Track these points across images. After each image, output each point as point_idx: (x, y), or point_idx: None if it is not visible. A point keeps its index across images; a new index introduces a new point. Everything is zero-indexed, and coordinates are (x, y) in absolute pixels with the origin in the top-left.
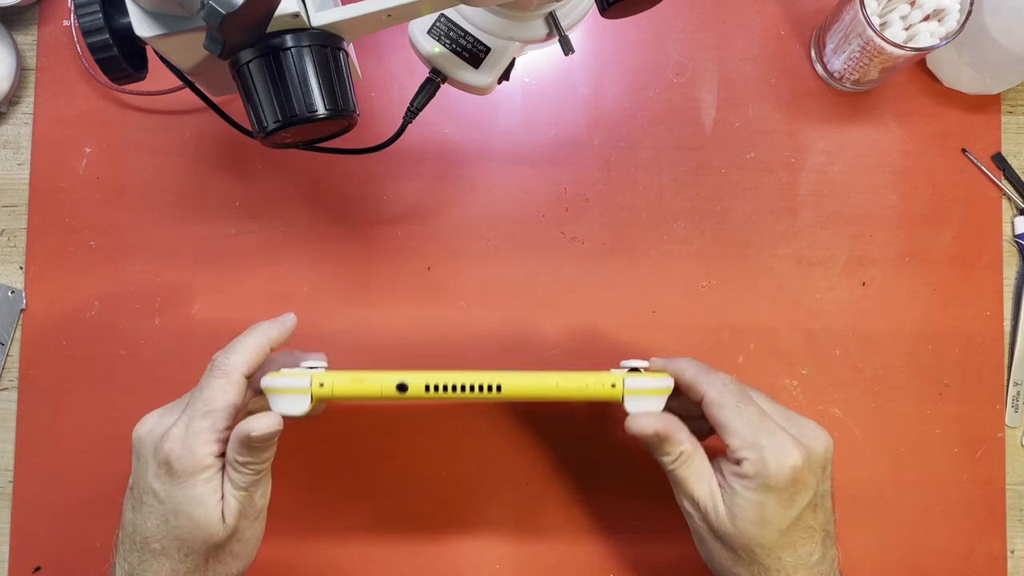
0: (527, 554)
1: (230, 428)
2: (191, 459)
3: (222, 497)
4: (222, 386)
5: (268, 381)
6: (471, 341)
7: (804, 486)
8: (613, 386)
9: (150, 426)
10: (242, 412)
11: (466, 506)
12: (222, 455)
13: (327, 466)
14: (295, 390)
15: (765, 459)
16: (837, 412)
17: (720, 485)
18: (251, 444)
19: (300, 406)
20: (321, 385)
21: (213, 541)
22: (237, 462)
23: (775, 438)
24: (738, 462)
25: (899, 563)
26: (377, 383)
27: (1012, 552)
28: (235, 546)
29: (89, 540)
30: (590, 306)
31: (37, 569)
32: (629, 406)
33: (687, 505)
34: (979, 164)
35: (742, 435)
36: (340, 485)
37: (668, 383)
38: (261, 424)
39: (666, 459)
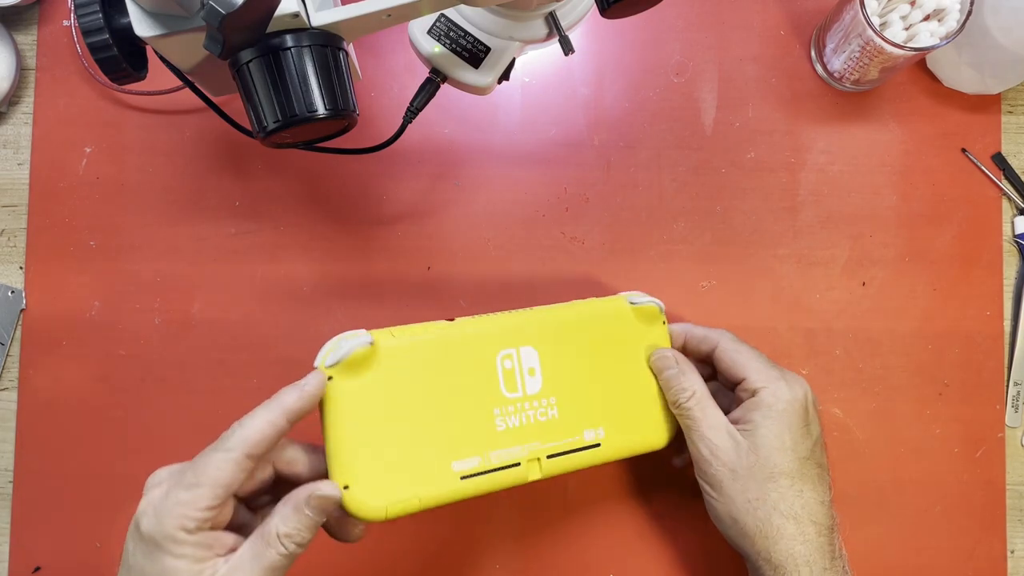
0: (527, 554)
1: (215, 508)
2: (158, 530)
3: (203, 571)
4: (218, 462)
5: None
6: None
7: (812, 418)
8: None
9: (152, 478)
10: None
11: (466, 506)
12: (195, 534)
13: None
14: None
15: (781, 388)
16: (837, 412)
17: (737, 423)
18: (308, 508)
19: (361, 340)
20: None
21: None
22: (280, 532)
23: (784, 373)
24: (755, 393)
25: (899, 563)
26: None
27: (1012, 552)
28: None
29: (89, 540)
30: None
31: (37, 569)
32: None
33: (705, 450)
34: (979, 164)
35: (757, 370)
36: None
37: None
38: (326, 488)
39: (683, 397)
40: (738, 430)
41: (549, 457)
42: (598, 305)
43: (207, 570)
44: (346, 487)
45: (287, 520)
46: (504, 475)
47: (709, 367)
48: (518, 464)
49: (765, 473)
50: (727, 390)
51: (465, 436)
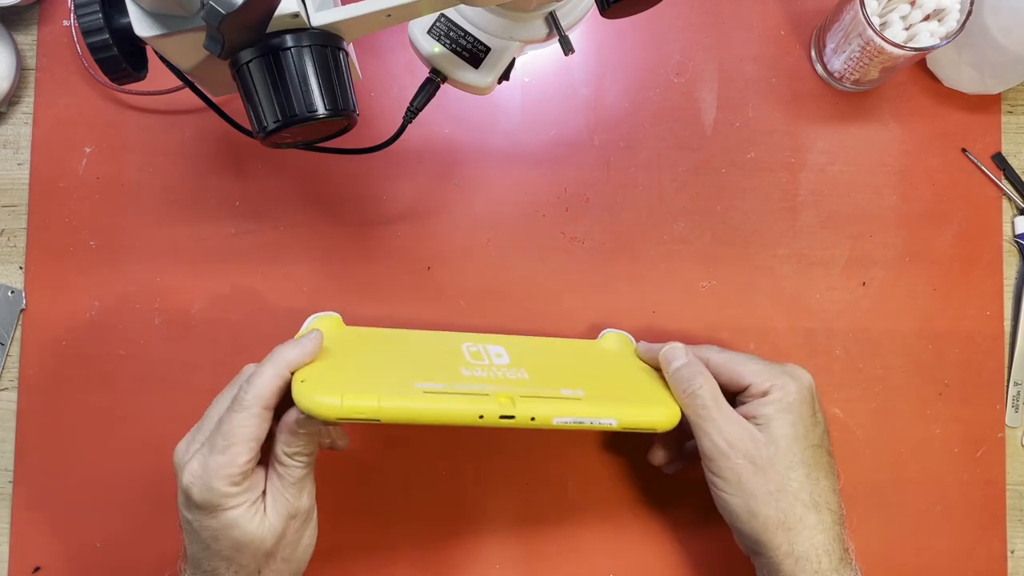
0: (527, 555)
1: (251, 461)
2: (210, 495)
3: (261, 507)
4: (242, 421)
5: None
6: None
7: (818, 406)
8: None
9: (179, 455)
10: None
11: (466, 506)
12: (243, 483)
13: (326, 468)
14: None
15: (787, 382)
16: (837, 412)
17: (747, 418)
18: (297, 428)
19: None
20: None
21: (262, 551)
22: (286, 454)
23: (785, 367)
24: (764, 393)
25: (899, 563)
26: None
27: (1012, 552)
28: (285, 550)
29: (89, 540)
30: (590, 306)
31: (37, 569)
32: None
33: (722, 443)
34: (979, 164)
35: (759, 372)
36: (340, 487)
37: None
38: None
39: (696, 386)
40: (752, 422)
41: (524, 397)
42: (569, 340)
43: (258, 506)
44: (303, 381)
45: (288, 442)
46: (473, 400)
47: None
48: (487, 395)
49: (785, 463)
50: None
51: (429, 369)
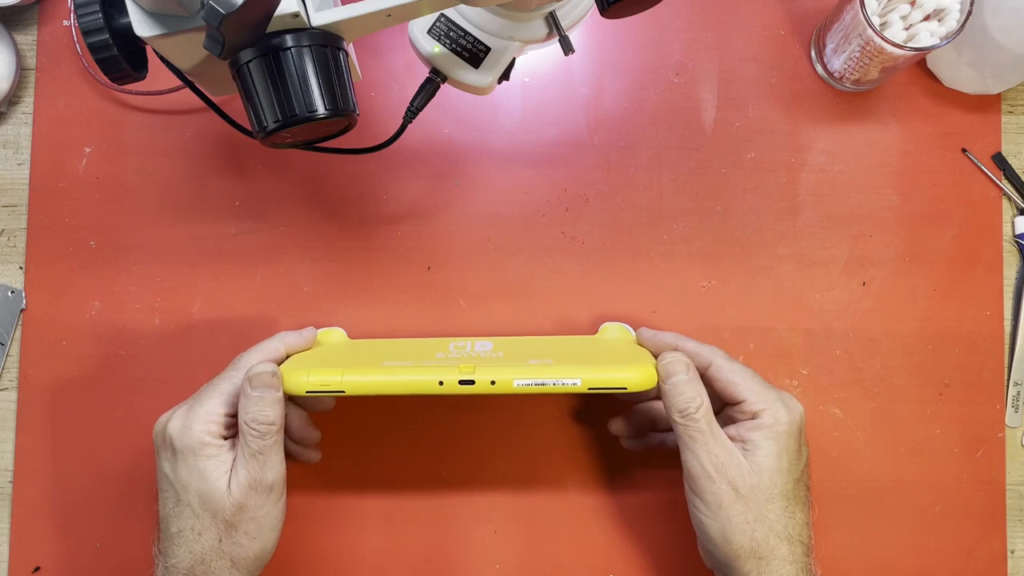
0: (527, 554)
1: (230, 415)
2: (189, 435)
3: (230, 471)
4: (230, 378)
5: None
6: None
7: (803, 440)
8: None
9: (163, 420)
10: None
11: (466, 506)
12: (224, 437)
13: (327, 468)
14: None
15: (779, 409)
16: (837, 412)
17: (734, 441)
18: (249, 388)
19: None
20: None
21: (222, 516)
22: (244, 421)
23: (780, 394)
24: (755, 415)
25: (899, 563)
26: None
27: (1012, 552)
28: (248, 525)
29: (89, 540)
30: (590, 306)
31: (37, 569)
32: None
33: (709, 465)
34: (979, 164)
35: (756, 392)
36: (338, 483)
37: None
38: (258, 366)
39: (692, 405)
40: (739, 445)
41: (486, 366)
42: (566, 337)
43: (226, 467)
44: (279, 363)
45: (244, 408)
46: (434, 370)
47: None
48: (450, 366)
49: (767, 495)
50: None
51: (403, 354)
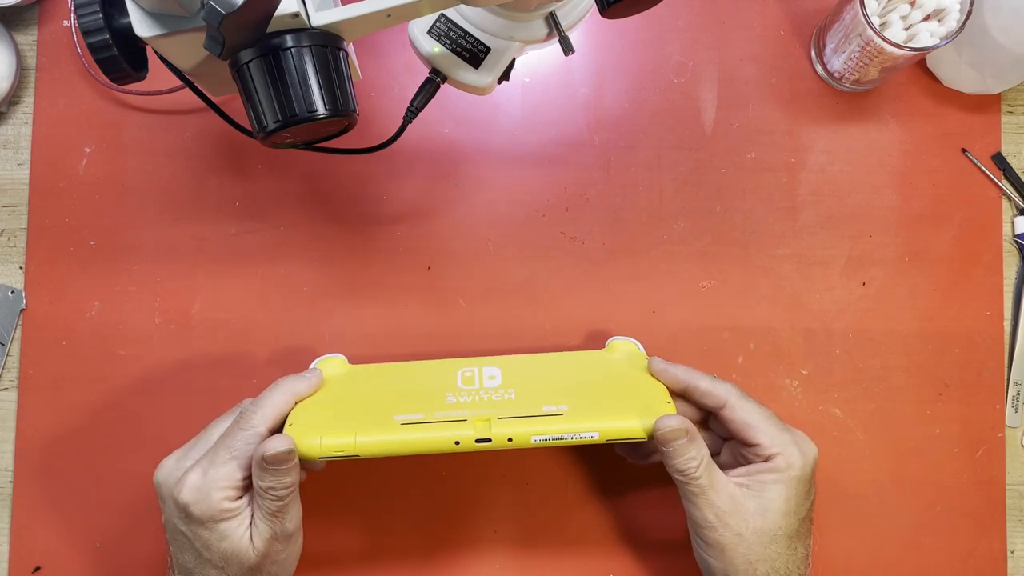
0: (527, 554)
1: (248, 476)
2: (208, 505)
3: (250, 525)
4: (247, 439)
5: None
6: (471, 341)
7: (813, 480)
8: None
9: (168, 470)
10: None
11: (466, 507)
12: (240, 498)
13: (326, 469)
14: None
15: (793, 454)
16: (837, 412)
17: (744, 478)
18: (266, 465)
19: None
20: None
21: (247, 566)
22: (260, 488)
23: (795, 436)
24: (768, 458)
25: (899, 563)
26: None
27: (1012, 552)
28: (271, 567)
29: (89, 540)
30: (590, 306)
31: (37, 569)
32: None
33: (712, 516)
34: (979, 164)
35: (770, 434)
36: (339, 489)
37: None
38: (274, 444)
39: (691, 465)
40: (745, 489)
41: (501, 419)
42: (574, 353)
43: (247, 525)
44: (290, 425)
45: (261, 477)
46: (449, 428)
47: (702, 412)
48: (464, 420)
49: (770, 536)
50: (719, 437)
51: (412, 401)
